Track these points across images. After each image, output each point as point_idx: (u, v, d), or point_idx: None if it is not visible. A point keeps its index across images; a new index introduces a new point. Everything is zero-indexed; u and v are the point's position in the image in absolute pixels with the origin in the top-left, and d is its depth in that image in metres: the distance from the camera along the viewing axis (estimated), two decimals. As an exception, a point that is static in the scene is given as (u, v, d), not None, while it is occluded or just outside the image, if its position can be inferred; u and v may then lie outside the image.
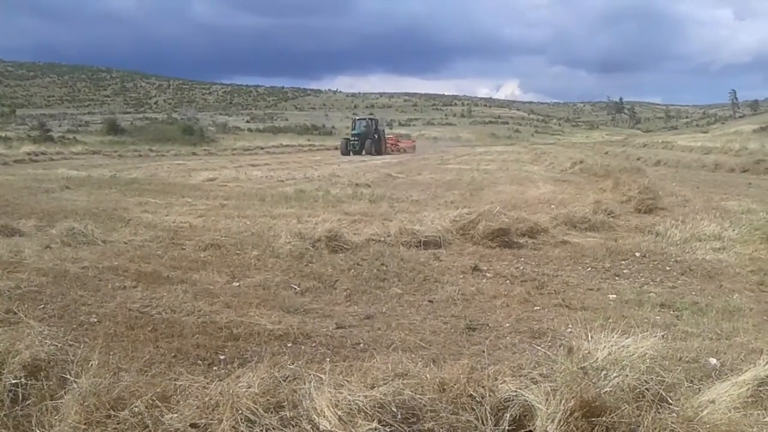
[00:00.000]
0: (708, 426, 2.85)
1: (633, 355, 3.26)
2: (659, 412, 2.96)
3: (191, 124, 59.19)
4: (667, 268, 7.70)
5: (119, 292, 6.15)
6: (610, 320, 5.11)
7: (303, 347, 4.82)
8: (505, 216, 9.32)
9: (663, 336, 3.93)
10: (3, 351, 3.47)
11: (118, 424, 2.96)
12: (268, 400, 2.95)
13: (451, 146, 63.00)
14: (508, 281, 7.05)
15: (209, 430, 2.88)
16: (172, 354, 4.53)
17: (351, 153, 43.02)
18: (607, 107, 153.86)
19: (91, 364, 3.37)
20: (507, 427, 2.97)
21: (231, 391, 2.99)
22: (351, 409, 2.86)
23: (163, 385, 3.24)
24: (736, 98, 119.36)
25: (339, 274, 7.13)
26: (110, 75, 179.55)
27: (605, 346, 3.34)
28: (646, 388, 3.08)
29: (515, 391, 3.07)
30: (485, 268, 7.52)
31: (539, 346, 4.54)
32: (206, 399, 3.04)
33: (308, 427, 2.82)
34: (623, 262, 7.95)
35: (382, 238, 8.69)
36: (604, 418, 2.88)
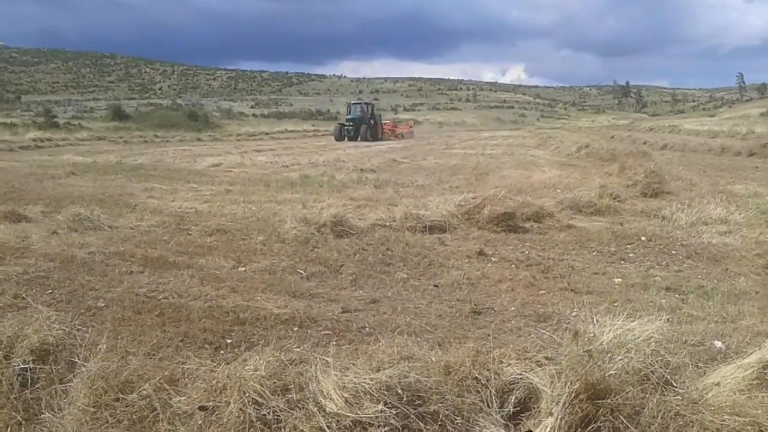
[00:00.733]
0: (713, 408, 2.85)
1: (638, 338, 3.27)
2: (664, 395, 2.97)
3: (196, 110, 59.11)
4: (673, 251, 7.69)
5: (126, 277, 6.19)
6: (616, 304, 5.13)
7: (309, 331, 4.84)
8: (510, 200, 9.31)
9: (668, 319, 3.93)
10: (12, 336, 3.50)
11: (126, 407, 2.99)
12: (274, 382, 2.97)
13: (456, 131, 62.81)
14: (513, 265, 7.06)
15: (217, 412, 2.90)
16: (180, 338, 4.56)
17: (345, 139, 41.32)
18: (613, 91, 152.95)
19: (99, 348, 3.40)
20: (512, 410, 2.99)
21: (238, 375, 3.01)
22: (357, 391, 2.88)
23: (171, 369, 3.26)
24: (744, 82, 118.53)
25: (344, 258, 7.14)
26: (114, 61, 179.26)
27: (610, 330, 3.34)
28: (651, 371, 3.09)
29: (520, 374, 3.09)
30: (490, 253, 7.53)
31: (544, 329, 4.55)
32: (213, 382, 3.06)
33: (315, 409, 2.84)
34: (629, 246, 7.95)
35: (388, 223, 8.70)
36: (608, 401, 2.88)
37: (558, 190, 12.47)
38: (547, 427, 2.85)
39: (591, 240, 8.21)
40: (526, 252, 7.63)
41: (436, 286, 6.24)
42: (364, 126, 41.97)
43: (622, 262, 7.29)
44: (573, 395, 2.87)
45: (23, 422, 3.16)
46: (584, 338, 3.32)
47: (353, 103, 48.29)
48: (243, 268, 6.70)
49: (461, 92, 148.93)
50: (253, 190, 13.03)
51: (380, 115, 47.71)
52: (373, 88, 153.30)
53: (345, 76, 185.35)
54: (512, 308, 5.52)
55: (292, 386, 2.98)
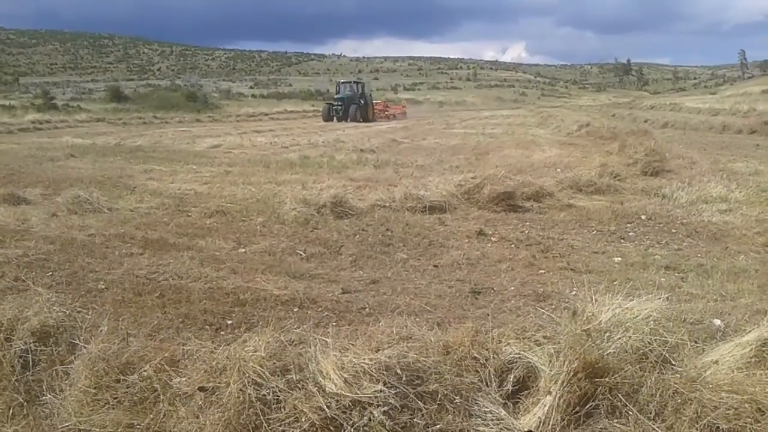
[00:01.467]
0: (711, 386, 2.87)
1: (637, 317, 3.27)
2: (662, 373, 2.98)
3: (195, 91, 58.80)
4: (673, 230, 7.69)
5: (126, 259, 6.20)
6: (615, 283, 5.13)
7: (309, 312, 4.86)
8: (510, 180, 9.29)
9: (667, 298, 3.94)
10: (12, 318, 3.51)
11: (127, 388, 3.01)
12: (274, 363, 2.98)
13: (456, 110, 62.55)
14: (513, 245, 7.06)
15: (217, 393, 2.92)
16: (180, 319, 4.58)
17: (334, 119, 39.51)
18: (614, 69, 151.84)
19: (100, 330, 3.42)
20: (511, 389, 3.01)
21: (238, 356, 3.02)
22: (356, 371, 2.89)
23: (171, 350, 3.28)
24: (745, 59, 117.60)
25: (344, 239, 7.15)
26: (113, 42, 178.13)
27: (609, 309, 3.34)
28: (650, 350, 3.10)
29: (519, 353, 3.10)
30: (490, 233, 7.53)
31: (543, 309, 4.55)
32: (214, 363, 3.07)
33: (314, 389, 2.85)
34: (629, 225, 7.95)
35: (387, 204, 8.70)
36: (607, 379, 2.90)
37: (558, 170, 12.44)
38: (545, 405, 2.87)
39: (591, 219, 8.21)
40: (526, 231, 7.64)
41: (435, 266, 6.25)
42: (353, 106, 40.32)
43: (622, 241, 7.29)
44: (571, 374, 2.88)
45: (25, 404, 3.19)
46: (583, 317, 3.32)
47: (342, 82, 46.28)
48: (243, 250, 6.71)
49: (461, 71, 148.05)
50: (253, 171, 13.01)
51: (371, 95, 45.68)
52: (373, 68, 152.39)
53: (344, 56, 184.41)
54: (512, 288, 5.53)
55: (291, 367, 2.99)
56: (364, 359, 2.95)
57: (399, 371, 2.92)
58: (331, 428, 2.74)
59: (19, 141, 21.24)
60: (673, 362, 3.11)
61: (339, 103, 40.52)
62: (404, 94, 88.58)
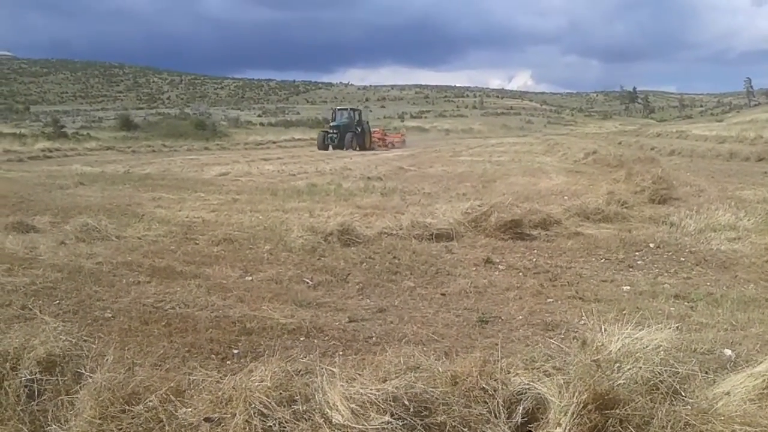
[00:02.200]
0: (723, 418, 2.83)
1: (647, 347, 3.24)
2: (673, 404, 2.94)
3: (203, 119, 59.34)
4: (682, 258, 7.64)
5: (133, 288, 6.20)
6: (624, 312, 5.08)
7: (316, 341, 4.83)
8: (517, 208, 9.28)
9: (677, 327, 3.91)
10: (18, 347, 3.50)
11: (132, 418, 2.98)
12: (280, 393, 2.96)
13: (463, 138, 62.79)
14: (520, 273, 7.03)
15: (223, 424, 2.89)
16: (186, 348, 4.56)
17: (330, 147, 37.76)
18: (620, 97, 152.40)
19: (106, 359, 3.40)
20: (520, 420, 2.97)
21: (244, 385, 3.00)
22: (363, 402, 2.87)
23: (177, 380, 3.26)
24: (752, 86, 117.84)
25: (351, 267, 7.13)
26: (123, 71, 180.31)
27: (619, 339, 3.32)
28: (660, 380, 3.07)
29: (528, 384, 3.07)
30: (498, 261, 7.51)
31: (552, 338, 4.53)
32: (220, 393, 3.05)
33: (321, 420, 2.82)
34: (637, 253, 7.90)
35: (394, 231, 8.69)
36: (617, 411, 2.86)
37: (565, 197, 12.43)
38: (555, 437, 2.83)
39: (599, 247, 8.18)
40: (534, 260, 7.61)
41: (443, 294, 6.22)
42: (350, 134, 38.92)
43: (631, 269, 7.25)
44: (581, 405, 2.85)
45: (30, 434, 3.16)
46: (592, 347, 3.30)
47: (338, 109, 44.66)
48: (250, 278, 6.70)
49: (468, 99, 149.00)
50: (260, 199, 13.05)
51: (368, 122, 44.18)
52: (380, 96, 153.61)
53: (352, 84, 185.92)
54: (520, 317, 5.49)
55: (298, 397, 2.97)
56: (371, 390, 2.93)
57: (406, 402, 2.89)
58: (338, 460, 2.71)
59: (29, 169, 21.42)
60: (684, 393, 3.08)
61: (335, 130, 39.14)
62: (411, 122, 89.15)
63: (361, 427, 2.76)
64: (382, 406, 2.85)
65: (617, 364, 3.11)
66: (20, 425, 3.18)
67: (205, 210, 11.45)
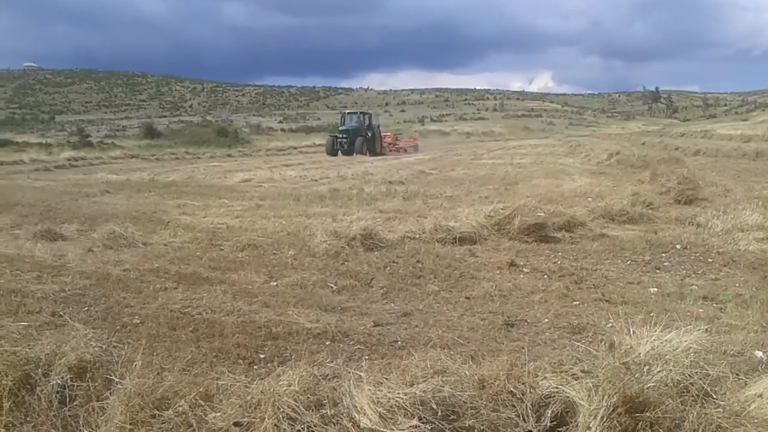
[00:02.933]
0: (756, 421, 2.79)
1: (676, 349, 3.21)
2: (704, 407, 2.91)
3: (225, 126, 59.77)
4: (709, 259, 7.55)
5: (161, 294, 6.26)
6: (652, 314, 5.02)
7: (341, 345, 4.85)
8: (540, 210, 9.23)
9: (706, 329, 3.85)
10: (50, 353, 3.56)
11: (162, 423, 3.02)
12: (308, 398, 2.97)
13: (483, 141, 62.56)
14: (545, 276, 6.99)
15: (252, 428, 2.91)
16: (214, 353, 4.60)
17: (339, 153, 36.53)
18: (643, 97, 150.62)
19: (135, 365, 3.44)
20: (548, 424, 2.95)
21: (272, 390, 3.02)
22: (391, 406, 2.87)
23: (206, 385, 3.29)
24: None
25: (375, 271, 7.15)
26: (145, 80, 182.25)
27: (647, 341, 3.29)
28: (691, 383, 3.03)
29: (556, 388, 3.05)
30: (522, 264, 7.47)
31: (579, 341, 4.50)
32: (248, 398, 3.07)
33: (349, 424, 2.83)
34: (663, 254, 7.82)
35: (417, 235, 8.69)
36: (647, 414, 2.83)
37: (589, 199, 12.33)
38: (584, 441, 2.81)
39: (624, 249, 8.10)
40: (559, 262, 7.56)
41: (467, 298, 6.20)
42: (360, 138, 37.38)
43: (657, 271, 7.17)
44: (611, 409, 2.83)
45: (62, 439, 3.21)
46: (621, 350, 3.27)
47: (348, 113, 43.38)
48: (275, 283, 6.74)
49: (488, 102, 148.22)
50: (283, 205, 13.11)
51: (378, 126, 42.27)
52: (400, 100, 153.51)
53: (372, 89, 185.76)
54: (546, 320, 5.46)
55: (325, 401, 2.98)
56: (398, 394, 2.93)
57: (434, 406, 2.89)
58: (367, 464, 2.72)
59: (56, 178, 21.73)
60: (715, 396, 3.04)
61: (344, 135, 37.68)
62: (431, 125, 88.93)
63: (389, 431, 2.77)
64: (410, 410, 2.85)
65: (646, 367, 3.08)
66: (53, 430, 3.23)
67: (229, 216, 11.53)
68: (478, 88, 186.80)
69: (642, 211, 10.36)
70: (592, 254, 7.94)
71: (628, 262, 7.53)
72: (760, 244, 8.17)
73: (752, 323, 5.16)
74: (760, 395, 3.05)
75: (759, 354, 4.30)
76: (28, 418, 3.31)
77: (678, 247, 8.09)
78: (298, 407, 2.90)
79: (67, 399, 3.37)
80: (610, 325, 4.97)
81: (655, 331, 3.36)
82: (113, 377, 3.43)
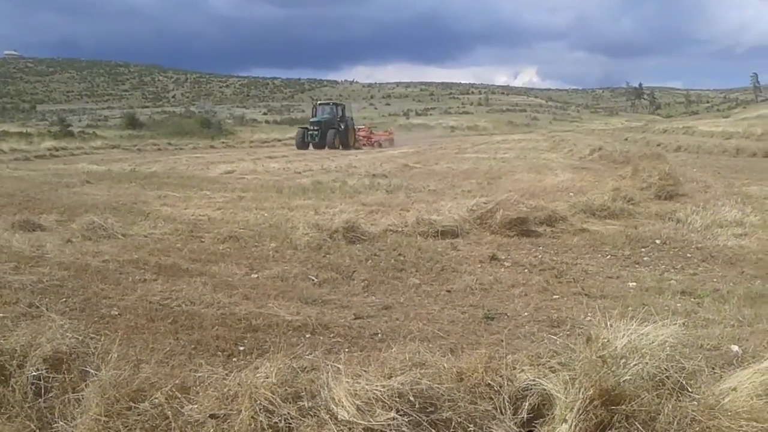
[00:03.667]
0: (729, 414, 2.81)
1: (653, 343, 3.23)
2: (680, 400, 2.93)
3: (209, 117, 59.41)
4: (688, 255, 7.62)
5: (140, 285, 6.21)
6: (630, 308, 5.08)
7: (321, 338, 4.84)
8: (523, 204, 9.26)
9: (684, 323, 3.88)
10: (25, 344, 3.52)
11: (138, 415, 2.99)
12: (286, 390, 2.96)
13: (468, 135, 62.68)
14: (526, 270, 7.02)
15: (228, 420, 2.90)
16: (192, 346, 4.57)
17: (310, 146, 35.10)
18: (626, 93, 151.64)
19: (112, 357, 3.41)
20: (525, 416, 2.96)
21: (250, 382, 3.00)
22: (369, 398, 2.86)
23: (183, 377, 3.26)
24: (758, 81, 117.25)
25: (356, 264, 7.14)
26: (128, 69, 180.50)
27: (625, 335, 3.30)
28: (667, 376, 3.05)
29: (534, 380, 3.06)
30: (503, 257, 7.50)
31: (558, 335, 4.52)
32: (225, 390, 3.06)
33: (327, 416, 2.83)
34: (643, 249, 7.88)
35: (400, 229, 8.69)
36: (623, 407, 2.85)
37: (571, 194, 12.39)
38: (561, 434, 2.83)
39: (605, 244, 8.16)
40: (539, 256, 7.59)
41: (448, 291, 6.22)
42: (332, 131, 35.95)
43: (637, 265, 7.23)
44: (587, 401, 2.84)
45: (36, 431, 3.17)
46: (598, 343, 3.29)
47: (320, 103, 41.48)
48: (255, 275, 6.71)
49: (473, 96, 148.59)
50: (266, 197, 13.06)
51: (351, 119, 40.41)
52: (385, 93, 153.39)
53: (357, 82, 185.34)
54: (525, 313, 5.49)
55: (303, 394, 2.97)
56: (376, 386, 2.93)
57: (412, 398, 2.89)
58: (344, 457, 2.71)
59: (36, 168, 21.47)
60: (691, 389, 3.06)
61: (315, 127, 36.21)
62: (416, 119, 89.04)
63: (366, 423, 2.76)
64: (388, 403, 2.85)
65: (623, 360, 3.10)
66: (27, 422, 3.19)
67: (210, 208, 11.47)
68: (463, 82, 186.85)
69: (623, 206, 10.43)
70: (573, 249, 7.98)
71: (608, 257, 7.58)
72: (738, 239, 8.26)
73: (729, 318, 5.22)
74: (735, 389, 3.07)
75: (735, 348, 4.34)
76: (2, 410, 3.28)
77: (657, 242, 8.16)
78: (275, 399, 2.89)
79: (43, 390, 3.33)
80: (589, 319, 5.00)
81: (633, 324, 3.37)
82: (89, 369, 3.40)
